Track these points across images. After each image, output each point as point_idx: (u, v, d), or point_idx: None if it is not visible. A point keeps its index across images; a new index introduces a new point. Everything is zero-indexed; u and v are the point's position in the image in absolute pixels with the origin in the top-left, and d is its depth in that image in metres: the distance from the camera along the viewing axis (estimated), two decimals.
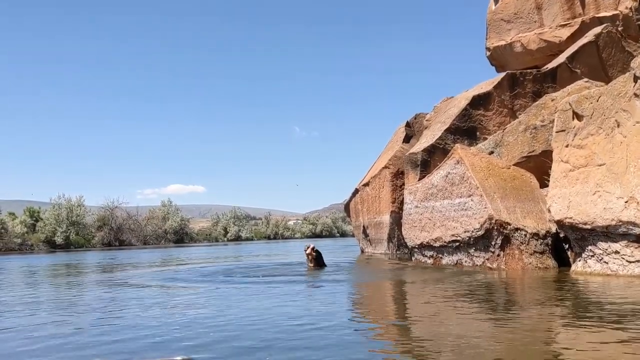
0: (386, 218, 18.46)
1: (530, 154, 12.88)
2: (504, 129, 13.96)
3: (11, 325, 6.18)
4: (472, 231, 11.36)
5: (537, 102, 13.76)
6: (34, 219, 54.75)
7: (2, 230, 48.40)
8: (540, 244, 10.66)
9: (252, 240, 74.44)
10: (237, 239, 74.32)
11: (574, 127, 9.94)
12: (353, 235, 28.34)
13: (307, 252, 13.45)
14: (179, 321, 5.98)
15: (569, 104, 10.14)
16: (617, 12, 16.40)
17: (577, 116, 9.93)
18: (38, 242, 51.81)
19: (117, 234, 59.17)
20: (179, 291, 9.34)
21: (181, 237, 66.98)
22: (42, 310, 7.46)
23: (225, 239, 74.23)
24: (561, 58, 15.53)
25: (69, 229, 53.89)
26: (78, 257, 29.00)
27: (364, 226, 20.86)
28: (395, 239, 18.11)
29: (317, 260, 13.31)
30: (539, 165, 12.28)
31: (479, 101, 15.55)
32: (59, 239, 52.65)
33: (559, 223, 9.95)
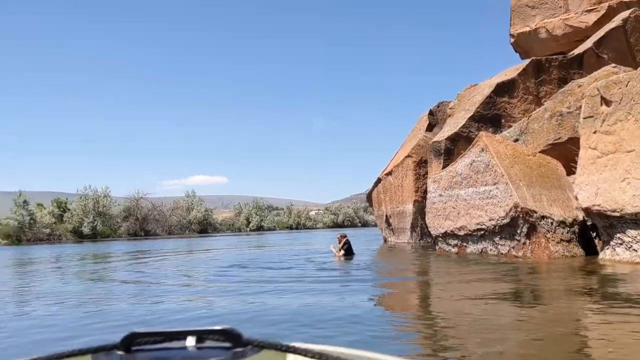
0: (409, 207, 18.36)
1: (556, 141, 12.65)
2: (529, 116, 13.74)
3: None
4: (498, 219, 11.23)
5: (563, 89, 13.50)
6: (62, 209, 55.66)
7: (31, 221, 49.33)
8: (567, 232, 10.49)
9: (274, 230, 74.79)
10: (260, 229, 74.69)
11: (602, 113, 9.73)
12: (375, 225, 28.27)
13: (339, 237, 13.82)
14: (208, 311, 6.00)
15: (597, 89, 9.93)
16: None
17: (606, 102, 9.72)
18: (66, 232, 52.71)
19: (143, 224, 59.88)
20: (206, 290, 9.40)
21: (205, 227, 67.54)
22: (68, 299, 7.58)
23: (248, 229, 74.63)
24: (588, 43, 15.20)
25: (95, 220, 54.69)
26: (106, 247, 29.43)
27: (386, 215, 20.78)
28: (419, 228, 18.01)
29: (347, 249, 13.46)
30: (566, 153, 12.07)
31: (504, 88, 15.31)
32: (86, 229, 53.48)
33: (587, 210, 9.78)
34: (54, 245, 38.94)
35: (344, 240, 13.57)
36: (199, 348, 0.93)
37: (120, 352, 0.91)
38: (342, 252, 13.32)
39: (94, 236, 53.32)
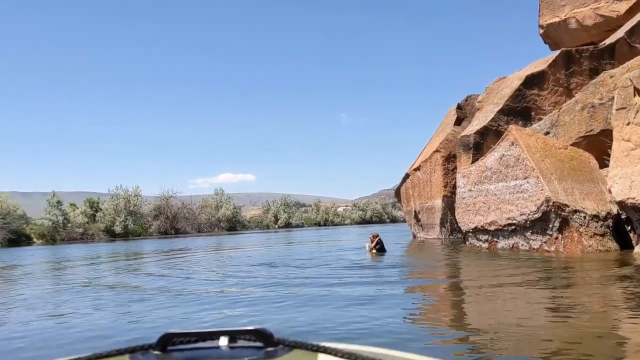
0: (438, 202, 18.25)
1: (588, 134, 12.45)
2: (560, 109, 13.53)
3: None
4: (529, 214, 11.11)
5: (594, 80, 13.26)
6: (94, 209, 56.82)
7: (65, 221, 50.43)
8: (601, 226, 10.32)
9: (302, 227, 74.98)
10: (288, 225, 74.98)
11: (635, 104, 9.54)
12: (404, 221, 28.14)
13: (371, 238, 14.02)
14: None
15: (630, 80, 9.74)
16: None
17: (639, 92, 9.53)
18: (98, 232, 53.79)
19: (173, 223, 60.72)
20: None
21: (234, 224, 68.16)
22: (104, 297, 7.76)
23: (276, 226, 75.01)
24: (619, 33, 14.89)
25: (127, 219, 55.70)
26: (137, 246, 29.91)
27: (415, 211, 20.69)
28: (448, 223, 17.90)
29: (380, 248, 13.67)
30: (598, 145, 11.87)
31: (533, 80, 15.10)
32: (118, 229, 54.52)
33: (621, 204, 9.61)
34: (88, 244, 39.75)
35: (377, 239, 13.73)
36: (231, 347, 0.95)
37: (156, 352, 0.94)
38: (374, 250, 13.52)
39: (126, 235, 54.28)
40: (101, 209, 56.48)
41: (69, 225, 50.75)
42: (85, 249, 28.40)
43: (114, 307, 6.68)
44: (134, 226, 56.38)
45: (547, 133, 13.17)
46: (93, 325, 5.45)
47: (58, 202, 50.88)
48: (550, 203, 10.44)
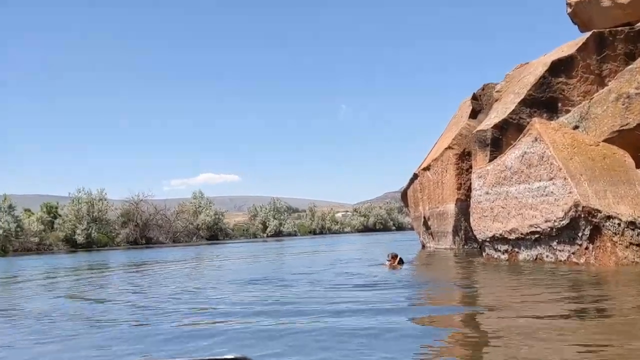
0: (451, 207, 18.29)
1: (623, 128, 12.49)
2: (591, 99, 13.58)
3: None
4: (555, 221, 11.14)
5: (630, 66, 13.32)
6: (52, 215, 56.75)
7: (18, 229, 50.27)
8: (638, 235, 10.36)
9: (295, 235, 75.05)
10: (278, 234, 75.07)
11: None
12: (412, 228, 28.16)
13: (390, 260, 14.14)
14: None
15: None
16: None
17: None
18: (57, 241, 53.68)
19: (144, 231, 60.68)
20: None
21: (215, 233, 68.21)
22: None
23: (265, 234, 75.13)
24: None
25: (90, 226, 55.58)
26: (102, 258, 29.83)
27: (424, 217, 20.74)
28: (462, 231, 17.94)
29: (399, 261, 13.95)
30: (634, 141, 11.92)
31: (560, 67, 15.14)
32: (79, 238, 54.39)
33: None
34: (44, 256, 39.63)
35: (397, 259, 13.87)
36: None
37: None
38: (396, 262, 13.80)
39: (89, 245, 54.18)
40: (60, 215, 56.38)
41: (23, 233, 50.62)
42: (40, 262, 28.32)
43: (67, 338, 6.51)
44: (98, 235, 56.26)
45: (575, 127, 13.22)
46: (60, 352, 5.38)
47: (10, 206, 50.70)
48: (580, 208, 10.48)
